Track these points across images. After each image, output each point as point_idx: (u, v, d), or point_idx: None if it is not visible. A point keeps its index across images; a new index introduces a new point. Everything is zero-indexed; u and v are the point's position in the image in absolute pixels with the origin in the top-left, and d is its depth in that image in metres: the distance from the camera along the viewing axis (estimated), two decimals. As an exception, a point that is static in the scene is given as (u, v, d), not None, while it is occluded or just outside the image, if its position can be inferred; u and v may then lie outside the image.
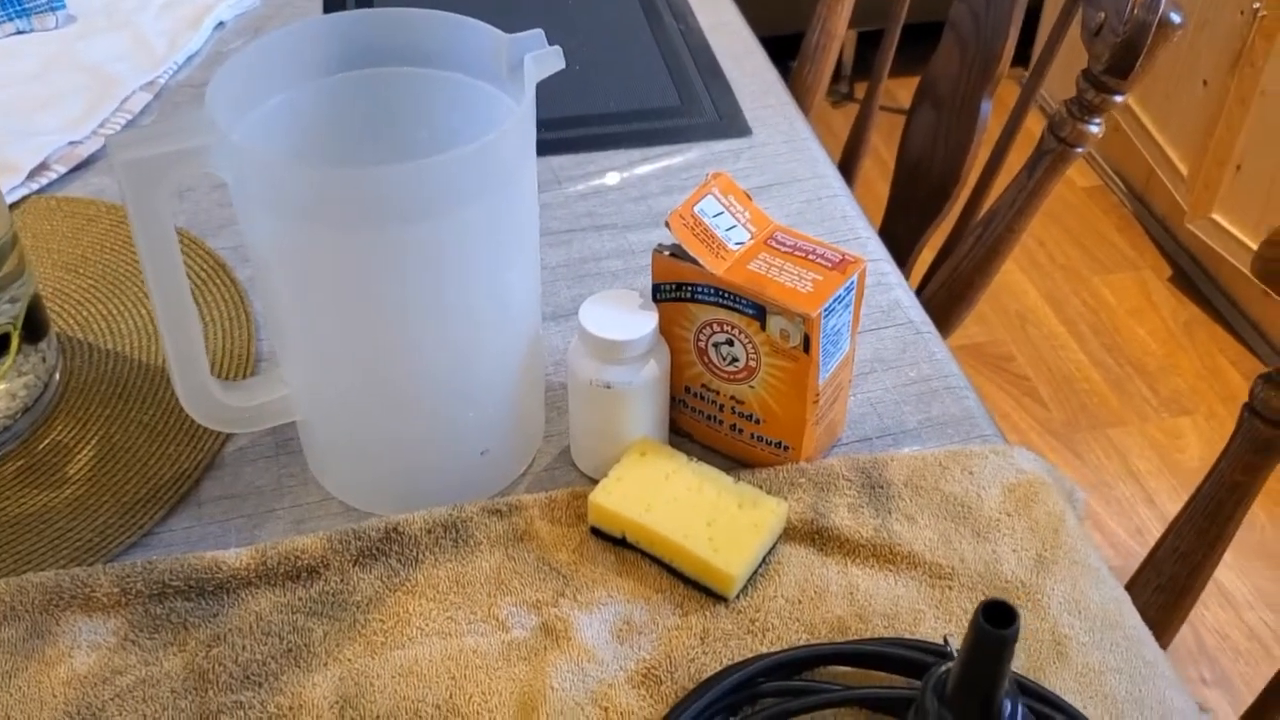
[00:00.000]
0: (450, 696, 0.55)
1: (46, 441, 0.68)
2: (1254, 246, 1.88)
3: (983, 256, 1.05)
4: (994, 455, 0.67)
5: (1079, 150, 0.95)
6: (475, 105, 0.61)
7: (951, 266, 1.07)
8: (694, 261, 0.60)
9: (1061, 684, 0.56)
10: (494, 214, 0.56)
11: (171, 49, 1.01)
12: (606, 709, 0.55)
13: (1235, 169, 1.90)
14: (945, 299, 1.07)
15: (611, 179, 0.87)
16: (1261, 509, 1.67)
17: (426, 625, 0.58)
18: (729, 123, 0.93)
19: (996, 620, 0.35)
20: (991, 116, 1.08)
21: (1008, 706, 0.39)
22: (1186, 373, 1.92)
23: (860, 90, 2.52)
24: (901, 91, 2.49)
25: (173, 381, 0.60)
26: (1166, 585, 0.79)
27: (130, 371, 0.72)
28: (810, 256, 0.61)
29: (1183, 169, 2.04)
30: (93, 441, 0.68)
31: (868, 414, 0.71)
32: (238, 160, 0.53)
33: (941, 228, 1.16)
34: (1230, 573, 1.59)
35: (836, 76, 2.54)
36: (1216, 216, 1.96)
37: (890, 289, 0.80)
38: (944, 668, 0.39)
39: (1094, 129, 0.94)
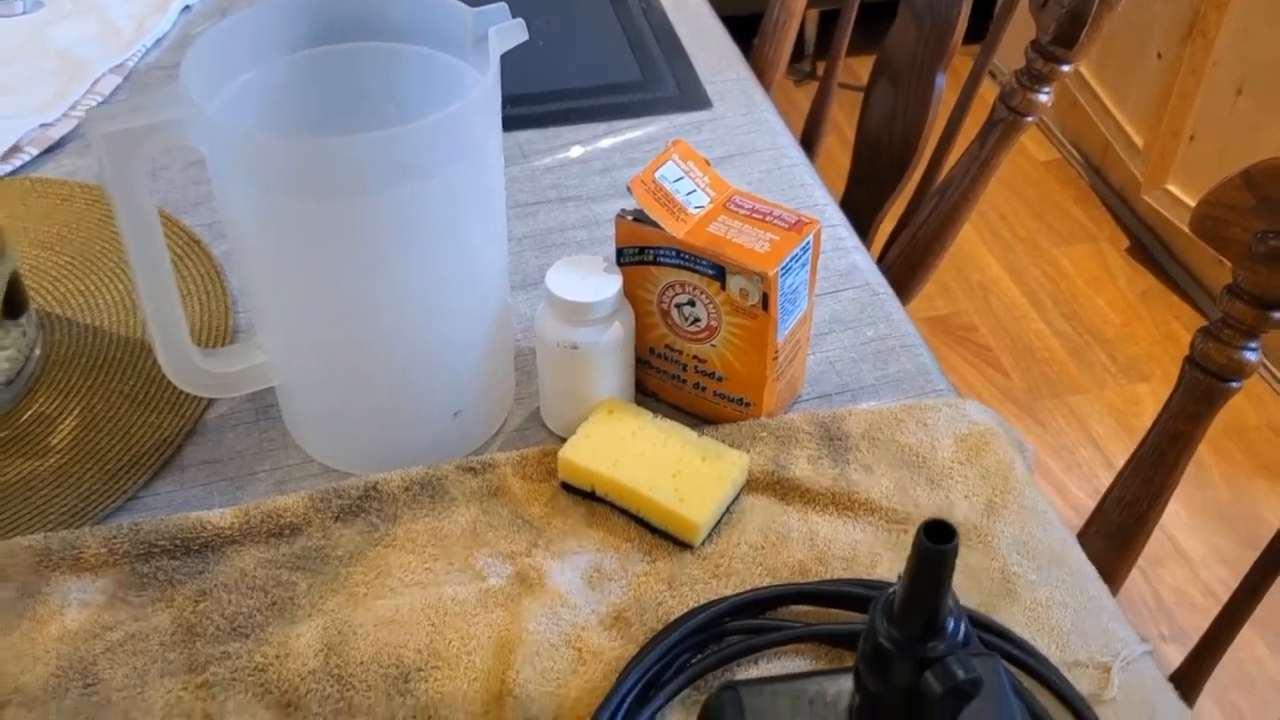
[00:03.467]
0: (431, 642, 0.58)
1: (29, 413, 0.70)
2: (1207, 215, 1.92)
3: (939, 224, 1.08)
4: (947, 408, 0.70)
5: (1029, 119, 0.98)
6: (442, 78, 0.63)
7: (910, 234, 1.11)
8: (656, 225, 0.63)
9: (1011, 618, 0.59)
10: (463, 181, 0.59)
11: (139, 32, 1.02)
12: (580, 649, 0.57)
13: (1189, 140, 1.95)
14: (904, 266, 1.10)
15: (575, 152, 0.89)
16: (1215, 469, 1.72)
17: (406, 576, 0.61)
18: (690, 96, 0.95)
19: (937, 538, 0.38)
20: (947, 89, 1.11)
21: (951, 623, 0.42)
22: (1143, 340, 1.96)
23: (823, 69, 2.55)
24: (863, 69, 2.51)
25: (154, 349, 0.62)
26: (1114, 533, 0.83)
27: (109, 344, 0.74)
28: (767, 218, 0.64)
29: (1138, 141, 2.08)
30: (75, 412, 0.70)
31: (826, 372, 0.74)
32: (213, 133, 0.55)
33: (900, 199, 1.19)
34: (1186, 532, 1.63)
35: (799, 56, 2.57)
36: (1171, 187, 2.01)
37: (848, 253, 0.83)
38: (891, 589, 0.42)
39: (1043, 98, 0.97)
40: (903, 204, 1.20)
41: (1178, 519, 1.65)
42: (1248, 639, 1.50)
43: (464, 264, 0.62)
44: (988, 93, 1.03)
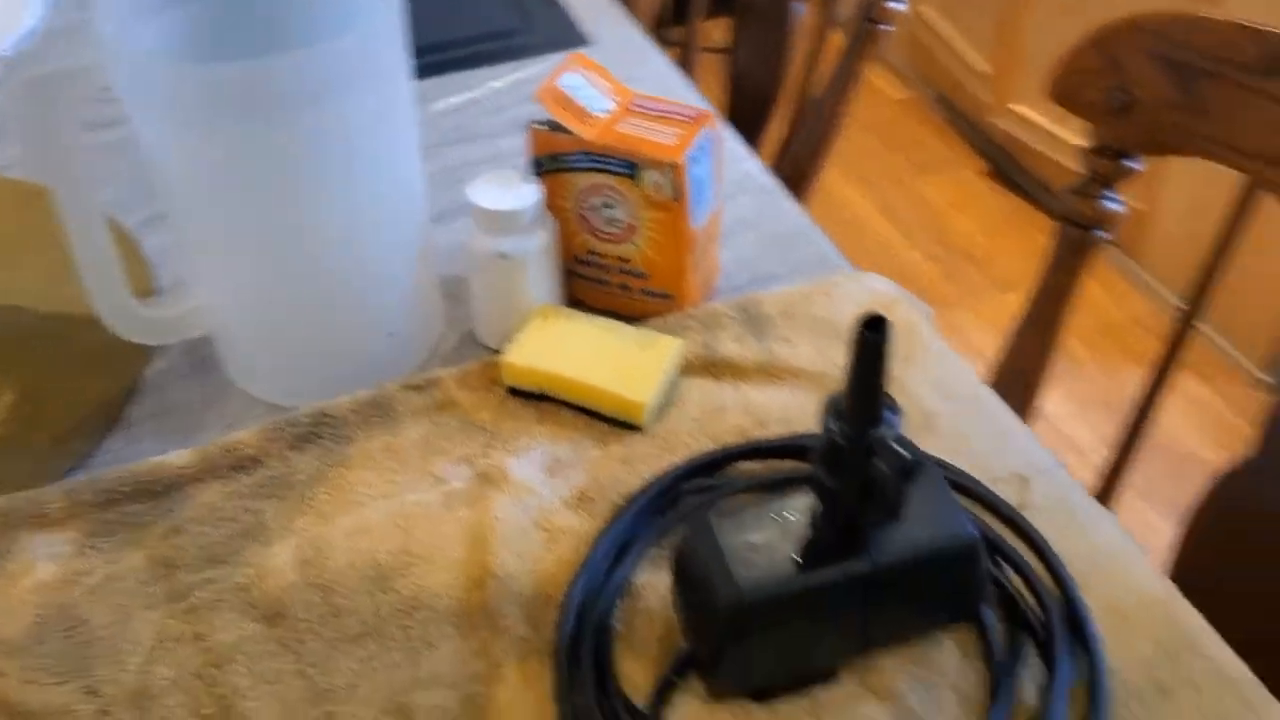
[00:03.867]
0: (404, 544, 0.60)
1: (-39, 394, 0.70)
2: (1053, 130, 2.04)
3: (815, 142, 1.13)
4: (849, 281, 0.75)
5: (886, 28, 1.04)
6: (348, 9, 0.65)
7: (787, 157, 1.16)
8: (567, 131, 0.66)
9: (934, 450, 0.64)
10: (377, 102, 0.61)
11: (11, 22, 1.01)
12: (550, 530, 0.61)
13: (1028, 61, 2.06)
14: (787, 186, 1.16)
15: (468, 96, 0.92)
16: (1092, 362, 1.83)
17: (369, 490, 0.63)
18: (568, 34, 0.99)
19: (874, 329, 0.43)
20: (806, 38, 1.16)
21: (890, 416, 0.46)
22: (1011, 255, 2.07)
23: (682, 35, 2.61)
24: (719, 33, 2.58)
25: (92, 299, 0.63)
26: (1008, 393, 0.89)
27: (35, 321, 0.74)
28: (670, 115, 0.68)
29: (983, 69, 2.19)
30: (10, 387, 0.70)
31: (738, 268, 0.78)
32: (130, 68, 0.56)
33: (775, 132, 1.25)
34: (1073, 423, 1.74)
35: (658, 24, 2.62)
36: (1018, 108, 2.12)
37: (741, 161, 0.87)
38: (837, 393, 0.46)
39: (899, 6, 1.03)
40: (776, 139, 1.26)
41: (1065, 412, 1.75)
42: (1139, 509, 1.60)
43: (386, 183, 0.64)
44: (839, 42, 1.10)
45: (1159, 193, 1.84)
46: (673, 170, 0.65)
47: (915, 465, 0.46)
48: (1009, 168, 2.22)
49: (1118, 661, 0.55)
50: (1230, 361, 1.82)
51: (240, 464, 0.64)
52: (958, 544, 0.52)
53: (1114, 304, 1.94)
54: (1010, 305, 1.95)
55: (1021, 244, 2.08)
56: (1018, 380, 0.91)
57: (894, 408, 0.47)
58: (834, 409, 0.46)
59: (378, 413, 0.66)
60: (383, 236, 0.66)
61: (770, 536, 0.51)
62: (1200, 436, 1.74)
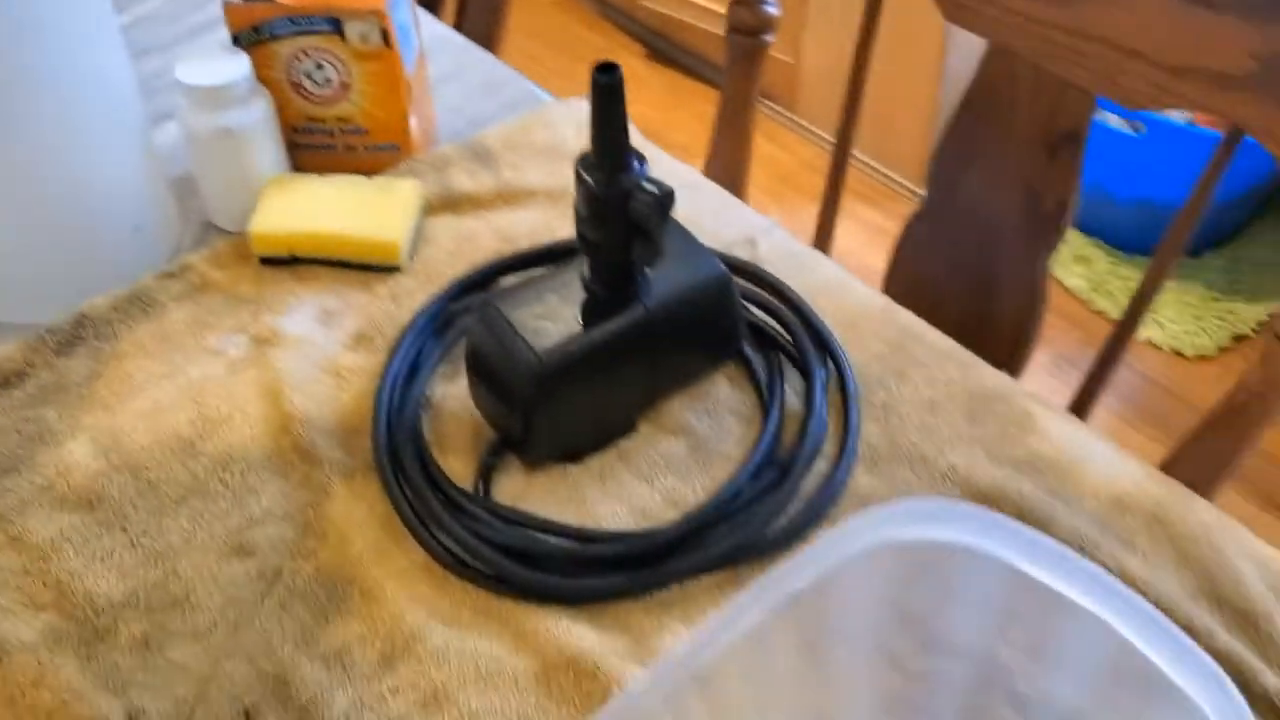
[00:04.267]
0: (200, 414, 0.61)
1: None
2: (702, 4, 2.17)
3: (485, 28, 1.18)
4: (558, 107, 0.81)
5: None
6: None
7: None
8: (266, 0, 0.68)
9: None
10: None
11: None
12: (337, 373, 0.63)
13: (662, -59, 2.17)
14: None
15: (138, 13, 0.90)
16: (775, 208, 1.99)
17: (149, 375, 0.63)
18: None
19: (606, 74, 0.48)
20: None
21: (634, 161, 0.52)
22: (682, 125, 2.19)
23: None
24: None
25: None
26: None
27: None
28: (361, -30, 0.70)
29: (621, -44, 2.28)
30: None
31: (453, 116, 0.82)
32: None
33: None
34: (770, 261, 1.89)
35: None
36: (662, -13, 2.23)
37: (428, 25, 0.90)
38: (586, 151, 0.52)
39: None
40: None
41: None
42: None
43: (91, 72, 0.63)
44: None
45: (802, 45, 2.00)
46: (377, 17, 0.68)
47: (668, 199, 0.52)
48: (665, 47, 2.34)
49: (857, 360, 0.64)
50: (891, 183, 2.02)
51: (6, 380, 0.62)
52: (713, 278, 0.59)
53: (783, 154, 2.10)
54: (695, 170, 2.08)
55: (690, 115, 2.21)
56: (724, 178, 1.00)
57: (639, 156, 0.53)
58: (586, 164, 0.52)
59: (138, 305, 0.66)
60: (98, 135, 0.65)
61: (553, 307, 0.56)
62: (877, 252, 1.93)
